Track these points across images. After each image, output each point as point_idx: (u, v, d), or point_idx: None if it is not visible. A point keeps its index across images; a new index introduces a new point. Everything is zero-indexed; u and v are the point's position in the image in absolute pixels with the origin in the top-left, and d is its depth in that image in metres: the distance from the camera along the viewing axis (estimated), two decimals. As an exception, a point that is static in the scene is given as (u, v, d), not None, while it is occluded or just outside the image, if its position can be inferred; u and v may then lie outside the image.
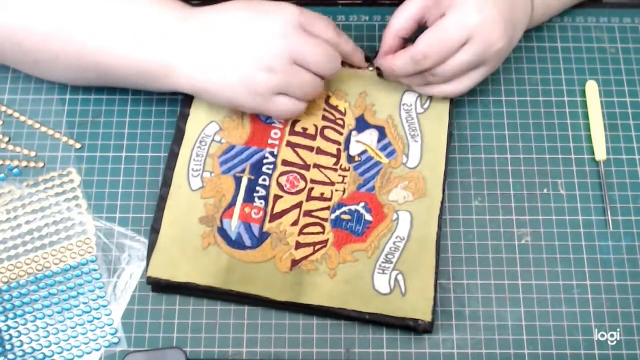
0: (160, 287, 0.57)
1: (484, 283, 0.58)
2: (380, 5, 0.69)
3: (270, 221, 0.58)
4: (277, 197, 0.59)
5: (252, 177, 0.60)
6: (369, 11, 0.69)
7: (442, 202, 0.59)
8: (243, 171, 0.60)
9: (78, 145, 0.63)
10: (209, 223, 0.58)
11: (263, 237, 0.58)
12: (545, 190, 0.62)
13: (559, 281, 0.59)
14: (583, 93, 0.65)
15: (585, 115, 0.64)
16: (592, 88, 0.65)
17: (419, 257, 0.57)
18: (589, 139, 0.63)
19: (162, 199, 0.59)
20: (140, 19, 0.57)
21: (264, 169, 0.60)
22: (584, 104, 0.65)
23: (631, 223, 0.60)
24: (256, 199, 0.59)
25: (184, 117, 0.62)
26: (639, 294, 0.58)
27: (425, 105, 0.63)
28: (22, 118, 0.64)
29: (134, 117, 0.64)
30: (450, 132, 0.62)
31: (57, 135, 0.63)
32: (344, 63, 0.61)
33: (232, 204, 0.59)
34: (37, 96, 0.64)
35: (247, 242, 0.58)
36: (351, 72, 0.63)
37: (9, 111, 0.64)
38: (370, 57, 0.63)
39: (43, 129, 0.63)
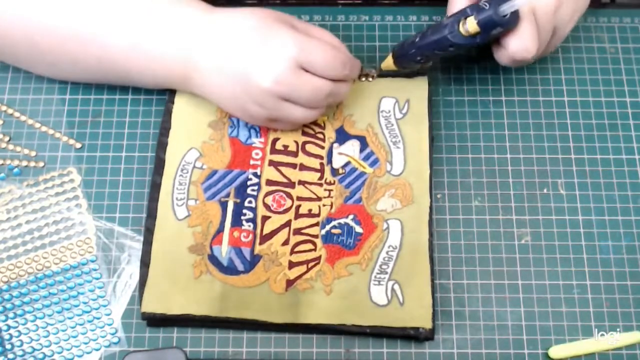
0: (156, 321, 0.56)
1: (484, 283, 0.58)
2: (380, 5, 0.69)
3: (260, 243, 0.58)
4: (265, 218, 0.59)
5: (238, 201, 0.59)
6: (369, 11, 0.69)
7: (431, 208, 0.59)
8: (228, 195, 0.59)
9: (78, 145, 0.63)
10: (199, 251, 0.57)
11: (255, 260, 0.57)
12: (545, 190, 0.62)
13: (559, 281, 0.59)
14: (583, 92, 0.65)
15: (586, 115, 0.64)
16: None
17: (413, 265, 0.57)
18: (589, 138, 0.63)
19: (149, 232, 0.58)
20: (165, 19, 0.56)
21: (248, 190, 0.59)
22: (584, 103, 0.65)
23: (631, 223, 0.60)
24: (244, 222, 0.58)
25: (162, 146, 0.61)
26: (639, 294, 0.58)
27: (404, 110, 0.62)
28: (22, 118, 0.64)
29: (134, 117, 0.64)
30: (431, 136, 0.61)
31: (57, 135, 0.63)
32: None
33: (221, 229, 0.58)
34: (37, 96, 0.64)
35: (240, 267, 0.57)
36: None
37: (9, 111, 0.64)
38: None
39: (43, 128, 0.63)
